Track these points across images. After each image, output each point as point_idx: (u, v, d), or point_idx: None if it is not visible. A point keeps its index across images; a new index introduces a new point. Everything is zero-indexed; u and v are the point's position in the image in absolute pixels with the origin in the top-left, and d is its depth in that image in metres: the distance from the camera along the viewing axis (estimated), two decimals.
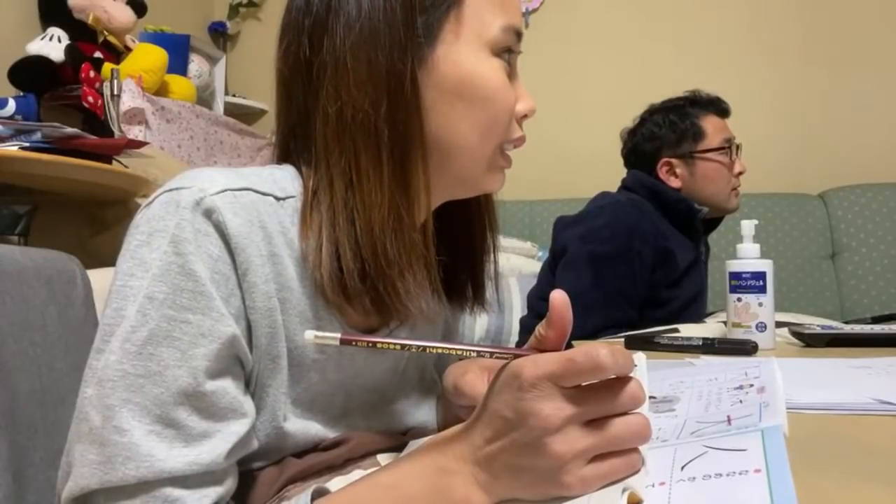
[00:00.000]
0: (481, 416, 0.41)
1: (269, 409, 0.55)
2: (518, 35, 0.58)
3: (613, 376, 0.38)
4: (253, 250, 0.51)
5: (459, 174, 0.58)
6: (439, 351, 0.42)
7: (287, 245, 0.54)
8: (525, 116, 0.60)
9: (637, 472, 0.38)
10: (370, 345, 0.41)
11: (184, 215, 0.48)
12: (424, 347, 0.41)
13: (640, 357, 0.41)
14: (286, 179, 0.57)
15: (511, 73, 0.59)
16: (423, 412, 0.69)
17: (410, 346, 0.40)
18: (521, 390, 0.38)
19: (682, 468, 0.37)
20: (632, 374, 0.39)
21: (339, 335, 0.39)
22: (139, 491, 0.45)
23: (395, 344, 0.40)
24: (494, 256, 0.68)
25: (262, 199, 0.54)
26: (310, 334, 0.38)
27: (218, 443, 0.47)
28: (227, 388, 0.49)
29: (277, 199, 0.55)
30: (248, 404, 0.51)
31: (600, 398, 0.38)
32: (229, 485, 0.50)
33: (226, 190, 0.51)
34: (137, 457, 0.44)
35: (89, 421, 0.46)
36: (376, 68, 0.53)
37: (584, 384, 0.38)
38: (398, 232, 0.53)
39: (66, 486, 0.46)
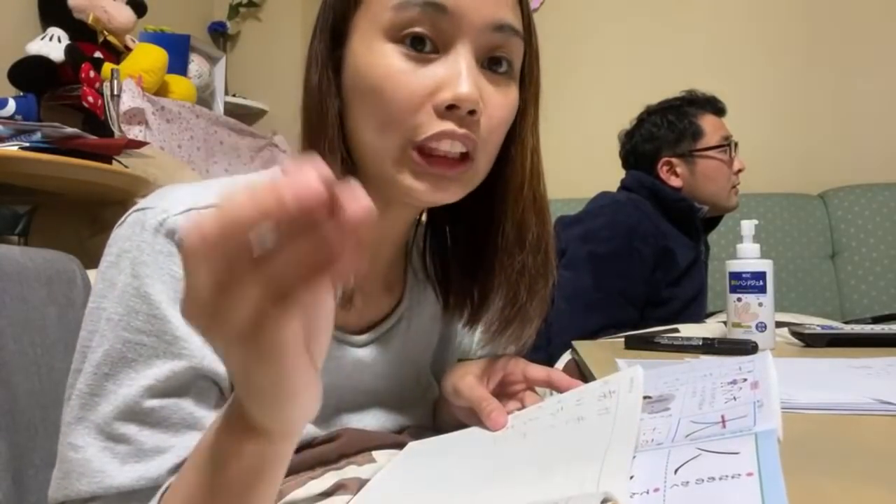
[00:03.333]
0: None
1: None
2: (428, 6, 0.49)
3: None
4: None
5: (372, 175, 0.54)
6: None
7: None
8: (453, 107, 0.50)
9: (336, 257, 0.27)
10: None
11: (145, 237, 0.49)
12: None
13: (637, 371, 0.41)
14: None
15: (426, 58, 0.50)
16: (418, 413, 0.68)
17: None
18: None
19: (676, 471, 0.37)
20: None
21: None
22: None
23: None
24: (515, 280, 0.60)
25: None
26: None
27: (169, 458, 0.47)
28: (182, 405, 0.48)
29: None
30: (209, 419, 0.49)
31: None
32: None
33: (191, 209, 0.51)
34: (90, 473, 0.46)
35: (60, 436, 0.48)
36: (305, 79, 0.55)
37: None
38: None
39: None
